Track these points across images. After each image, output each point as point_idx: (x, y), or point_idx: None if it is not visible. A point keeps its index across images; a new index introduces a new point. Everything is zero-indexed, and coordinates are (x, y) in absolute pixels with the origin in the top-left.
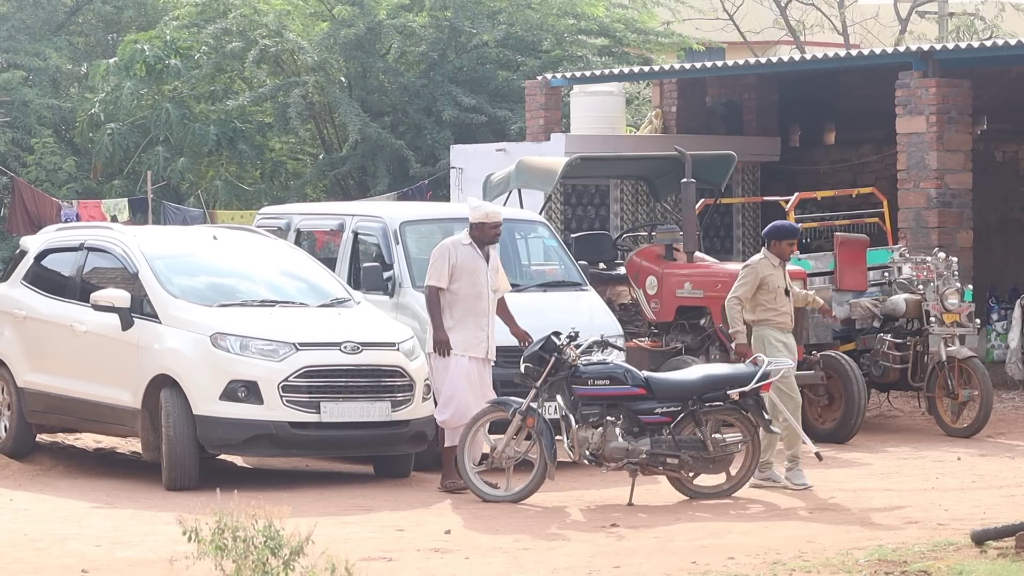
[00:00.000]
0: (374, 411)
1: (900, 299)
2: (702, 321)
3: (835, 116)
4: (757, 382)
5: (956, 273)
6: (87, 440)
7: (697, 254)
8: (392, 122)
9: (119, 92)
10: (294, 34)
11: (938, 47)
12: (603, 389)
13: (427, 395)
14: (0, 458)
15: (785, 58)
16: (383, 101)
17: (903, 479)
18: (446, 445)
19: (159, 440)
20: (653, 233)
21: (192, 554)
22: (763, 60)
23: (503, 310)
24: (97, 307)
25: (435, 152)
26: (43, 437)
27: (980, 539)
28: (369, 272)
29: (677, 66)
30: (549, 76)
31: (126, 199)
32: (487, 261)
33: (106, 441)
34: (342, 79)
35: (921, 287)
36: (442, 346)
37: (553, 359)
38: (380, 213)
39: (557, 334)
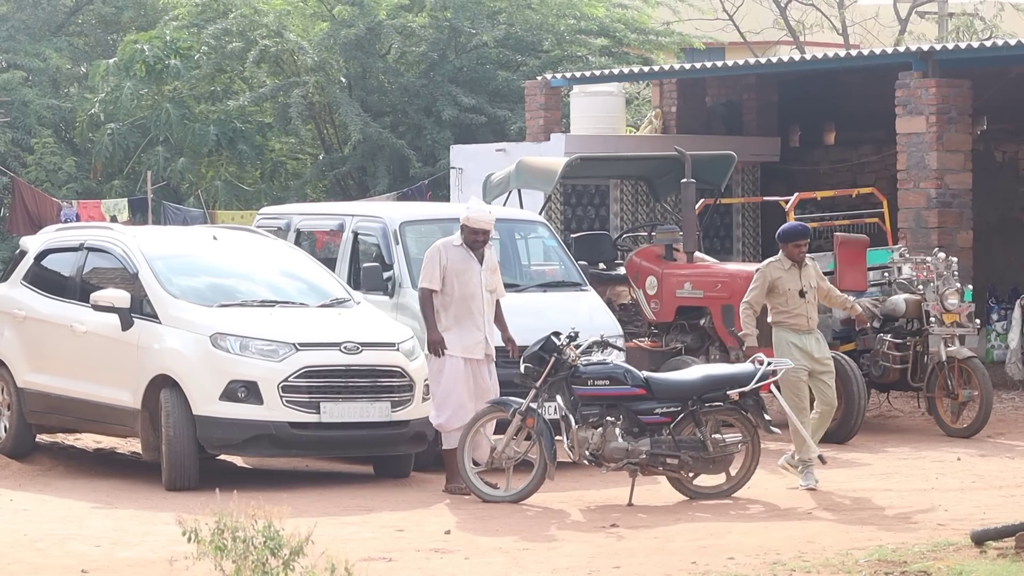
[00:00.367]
0: (374, 411)
1: (900, 299)
2: (702, 321)
3: (835, 116)
4: (757, 382)
5: (956, 273)
6: (87, 440)
7: (697, 254)
8: (392, 122)
9: (119, 92)
10: (294, 34)
11: (938, 47)
12: (603, 389)
13: (427, 395)
14: (0, 458)
15: (785, 58)
16: (383, 101)
17: (903, 479)
18: (444, 448)
19: (159, 440)
20: (653, 233)
21: (192, 554)
22: (763, 60)
23: (498, 314)
24: (97, 307)
25: (435, 152)
26: (43, 437)
27: (980, 539)
28: (369, 272)
29: (677, 66)
30: (549, 76)
31: (126, 199)
32: (481, 262)
33: (106, 441)
34: (342, 79)
35: (921, 287)
36: (436, 346)
37: (553, 359)
38: (380, 213)
39: (557, 334)
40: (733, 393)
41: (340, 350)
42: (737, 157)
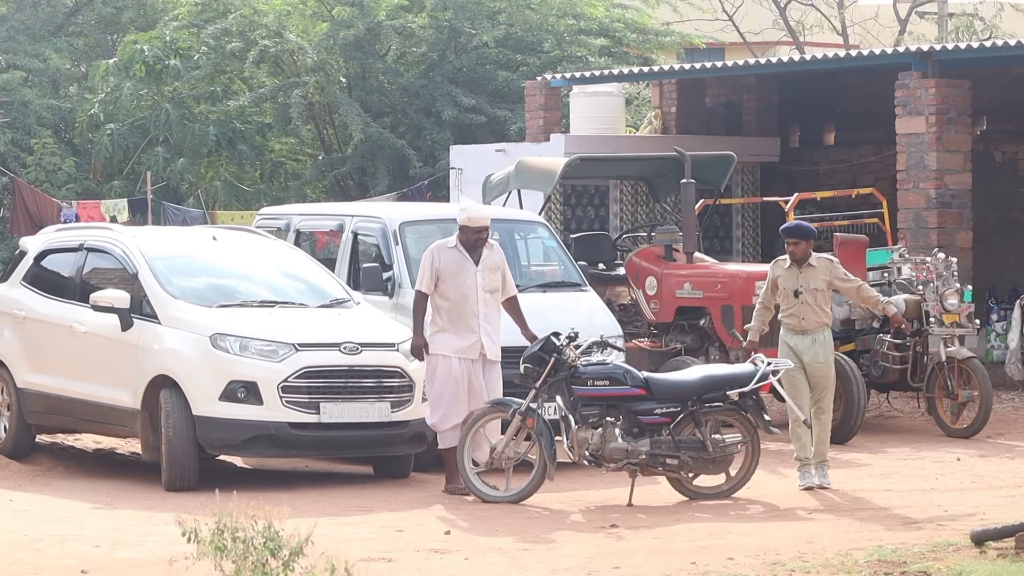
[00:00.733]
0: (373, 412)
1: (900, 300)
2: (701, 322)
3: (835, 117)
4: (756, 383)
5: (956, 274)
6: (87, 441)
7: (696, 255)
8: (392, 123)
9: (119, 92)
10: (294, 35)
11: (937, 47)
12: (603, 390)
13: (427, 396)
14: (0, 458)
15: (785, 58)
16: (383, 102)
17: (902, 480)
18: (441, 447)
19: (159, 441)
20: (653, 234)
21: (191, 555)
22: (763, 60)
23: (515, 312)
24: (97, 308)
25: (435, 152)
26: (43, 438)
27: (980, 539)
28: (369, 272)
29: (677, 66)
30: (549, 76)
31: (126, 199)
32: (477, 263)
33: (106, 442)
34: (342, 80)
35: (921, 288)
36: (418, 350)
37: (553, 360)
38: (380, 214)
39: (556, 334)
40: (733, 393)
41: (340, 350)
42: (737, 157)
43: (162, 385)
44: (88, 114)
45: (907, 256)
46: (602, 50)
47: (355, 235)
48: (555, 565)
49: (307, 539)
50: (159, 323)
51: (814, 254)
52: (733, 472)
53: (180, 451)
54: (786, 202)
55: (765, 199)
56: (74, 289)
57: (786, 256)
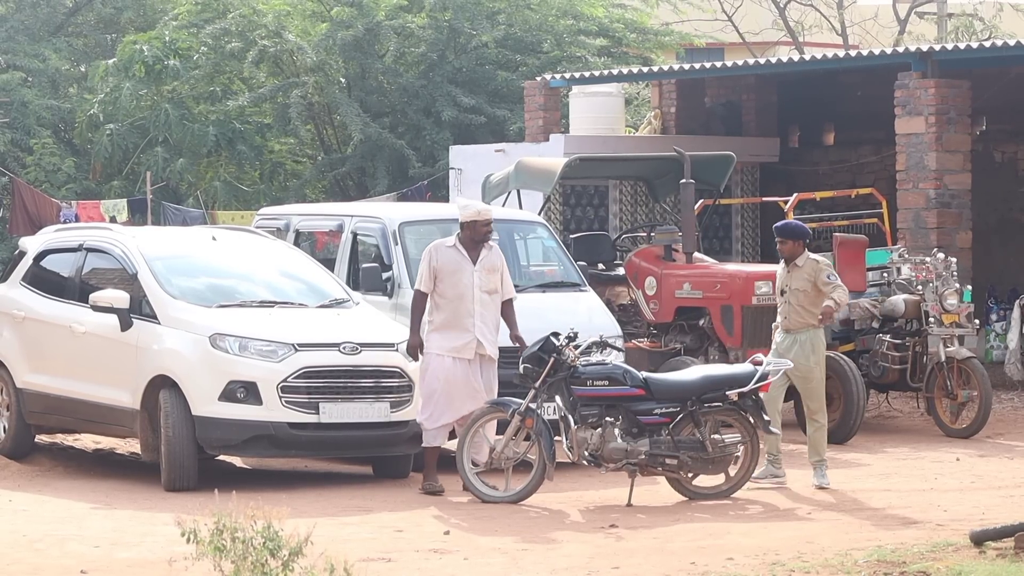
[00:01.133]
0: (373, 412)
1: (899, 300)
2: (701, 322)
3: (834, 117)
4: (756, 383)
5: (955, 274)
6: (86, 441)
7: (696, 255)
8: (391, 123)
9: (118, 93)
10: (293, 35)
11: (937, 48)
12: (602, 390)
13: None
14: None
15: (784, 59)
16: (382, 102)
17: (902, 480)
18: (423, 445)
19: (158, 441)
20: (652, 234)
21: (191, 555)
22: (762, 61)
23: (509, 315)
24: (96, 308)
25: (434, 153)
26: (42, 438)
27: (979, 540)
28: (368, 273)
29: (676, 67)
30: (548, 77)
31: (125, 200)
32: (475, 262)
33: (105, 442)
34: (341, 80)
35: (920, 288)
36: (414, 350)
37: (552, 360)
38: (379, 214)
39: (556, 335)
40: (732, 393)
41: (339, 351)
42: (736, 158)
43: (161, 385)
44: (87, 114)
45: (907, 256)
46: (601, 50)
47: (355, 235)
48: (554, 565)
49: (306, 539)
50: (158, 323)
51: (808, 255)
52: (732, 472)
53: (179, 451)
54: (785, 202)
55: (764, 199)
56: (74, 289)
57: None
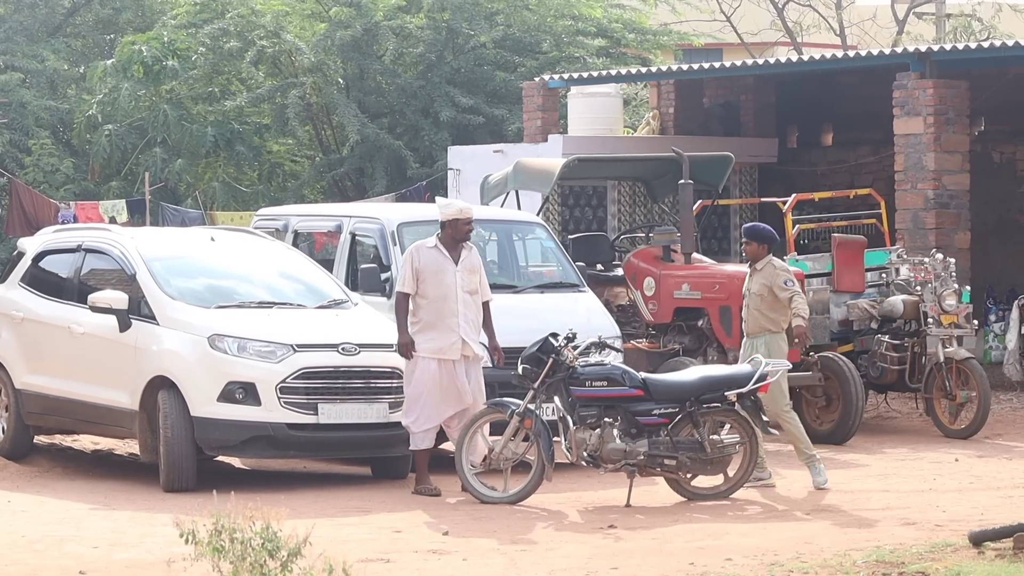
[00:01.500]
0: (371, 412)
1: (898, 300)
2: (699, 322)
3: (833, 117)
4: (754, 383)
5: (954, 274)
6: (85, 442)
7: (695, 255)
8: (390, 123)
9: (117, 93)
10: (292, 35)
11: (935, 48)
12: (601, 390)
13: None
14: None
15: (783, 59)
16: (380, 102)
17: (901, 480)
18: (411, 448)
19: (157, 441)
20: (651, 234)
21: (190, 556)
22: (760, 61)
23: (487, 318)
24: (95, 309)
25: (433, 153)
26: (41, 439)
27: (978, 540)
28: (367, 273)
29: (675, 67)
30: (547, 77)
31: (124, 200)
32: (456, 263)
33: (104, 443)
34: (339, 80)
35: (919, 288)
36: (405, 348)
37: (551, 360)
38: (378, 214)
39: (555, 335)
40: (731, 394)
41: (338, 351)
42: (735, 158)
43: (160, 386)
44: (86, 115)
45: (905, 257)
46: (600, 51)
47: (353, 236)
48: (553, 566)
49: (305, 540)
50: (157, 324)
51: (771, 259)
52: (731, 473)
53: (178, 452)
54: (784, 203)
55: (763, 200)
56: (72, 290)
57: None
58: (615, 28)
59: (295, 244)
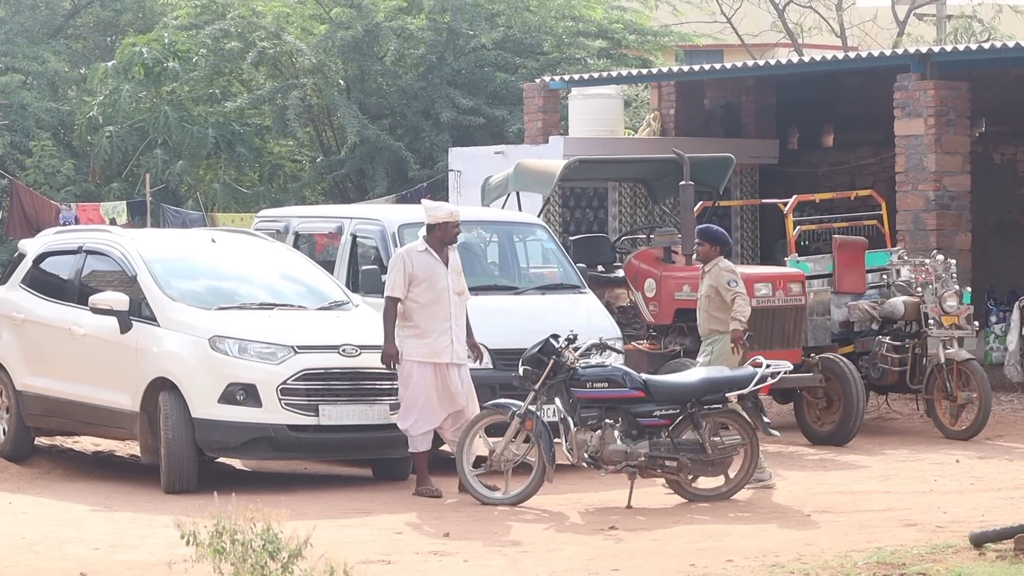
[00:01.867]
0: (372, 414)
1: (898, 301)
2: None
3: (833, 118)
4: (755, 385)
5: (954, 275)
6: (86, 443)
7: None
8: (390, 124)
9: (117, 95)
10: (292, 36)
11: (936, 49)
12: (602, 392)
13: None
14: None
15: (783, 60)
16: (381, 104)
17: (902, 481)
18: (410, 451)
19: (158, 443)
20: (651, 236)
21: (190, 557)
22: (761, 62)
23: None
24: (96, 310)
25: (433, 154)
26: (42, 440)
27: (979, 541)
28: (367, 275)
29: (675, 68)
30: (547, 79)
31: (124, 202)
32: (446, 265)
33: (105, 444)
34: (340, 81)
35: (920, 289)
36: (390, 359)
37: (552, 362)
38: (378, 216)
39: (556, 337)
40: (732, 396)
41: (339, 353)
42: (735, 159)
43: (161, 387)
44: (87, 116)
45: (906, 258)
46: (601, 52)
47: (354, 237)
48: (554, 567)
49: (306, 541)
50: (158, 325)
51: (720, 260)
52: (732, 474)
53: (179, 453)
54: (785, 204)
55: (764, 201)
56: (73, 291)
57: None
58: (616, 29)
59: (296, 245)
